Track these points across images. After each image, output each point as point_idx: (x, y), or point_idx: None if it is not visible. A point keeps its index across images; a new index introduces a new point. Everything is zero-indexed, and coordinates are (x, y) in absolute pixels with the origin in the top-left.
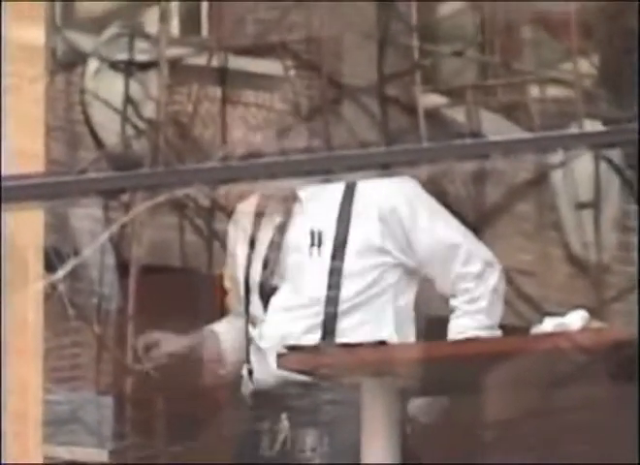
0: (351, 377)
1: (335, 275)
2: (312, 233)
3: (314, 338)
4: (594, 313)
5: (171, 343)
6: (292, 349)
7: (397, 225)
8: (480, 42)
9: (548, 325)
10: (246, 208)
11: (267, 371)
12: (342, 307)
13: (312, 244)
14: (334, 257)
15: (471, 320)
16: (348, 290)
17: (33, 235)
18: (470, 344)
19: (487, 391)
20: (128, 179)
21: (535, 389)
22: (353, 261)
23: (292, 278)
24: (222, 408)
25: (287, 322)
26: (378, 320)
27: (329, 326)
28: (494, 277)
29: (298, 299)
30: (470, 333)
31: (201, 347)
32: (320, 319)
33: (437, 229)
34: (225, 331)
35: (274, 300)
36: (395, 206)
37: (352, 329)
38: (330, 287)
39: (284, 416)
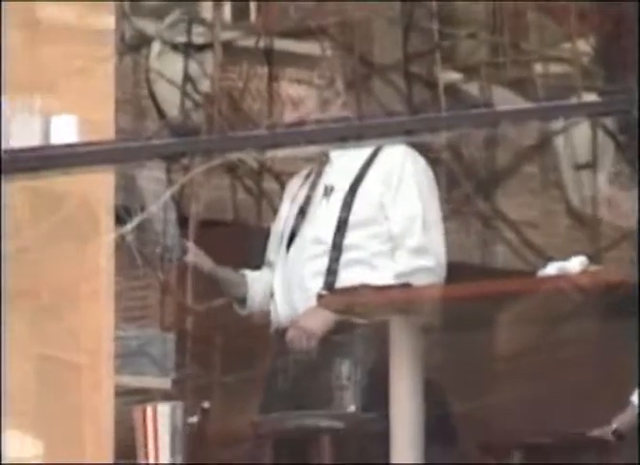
0: (381, 315)
1: (341, 224)
2: (325, 187)
3: (319, 282)
4: (591, 259)
5: (201, 259)
6: (331, 290)
7: (395, 189)
8: (491, 25)
9: (552, 268)
10: (299, 176)
11: (290, 309)
12: (345, 255)
13: (324, 195)
14: (342, 208)
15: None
16: (352, 238)
17: (105, 194)
18: (484, 285)
19: (499, 328)
20: (187, 145)
21: (541, 325)
22: (358, 213)
23: (307, 227)
24: (264, 344)
25: (297, 266)
26: (377, 268)
27: (332, 272)
28: (422, 273)
29: (307, 245)
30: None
31: (226, 280)
32: (325, 263)
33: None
34: (255, 277)
35: (291, 247)
36: (401, 175)
37: (351, 279)
38: (336, 234)
39: (319, 350)
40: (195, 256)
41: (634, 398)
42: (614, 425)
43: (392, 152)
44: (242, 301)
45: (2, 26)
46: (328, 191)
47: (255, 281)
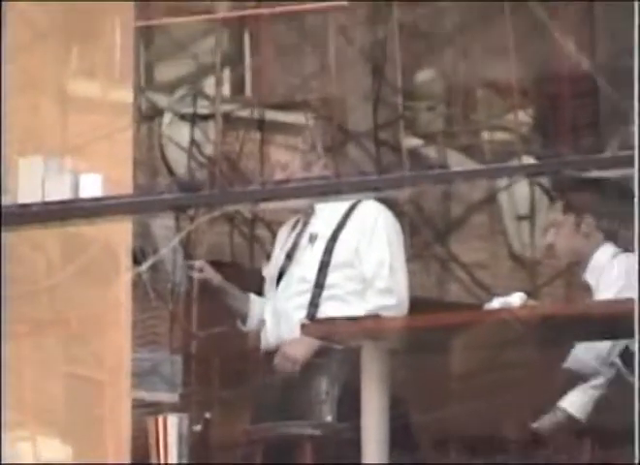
0: (354, 341)
1: (324, 266)
2: (311, 235)
3: (302, 314)
4: (529, 295)
5: (211, 274)
6: (312, 321)
7: (368, 238)
8: (447, 99)
9: (496, 303)
10: (287, 225)
11: (277, 336)
12: (325, 292)
13: (309, 241)
14: (324, 253)
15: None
16: (332, 278)
17: (124, 239)
18: (440, 317)
19: (452, 352)
20: (192, 199)
21: (487, 350)
22: (338, 258)
23: (294, 267)
24: (255, 364)
25: (283, 300)
26: (351, 304)
27: (314, 305)
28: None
29: (293, 282)
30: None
31: (232, 295)
32: (308, 298)
33: (383, 255)
34: (256, 300)
35: (280, 284)
36: (374, 226)
37: (329, 312)
38: (318, 274)
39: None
40: (207, 272)
41: (561, 403)
42: (536, 425)
43: (366, 207)
44: (244, 318)
45: (2, 27)
46: (313, 238)
47: (256, 302)
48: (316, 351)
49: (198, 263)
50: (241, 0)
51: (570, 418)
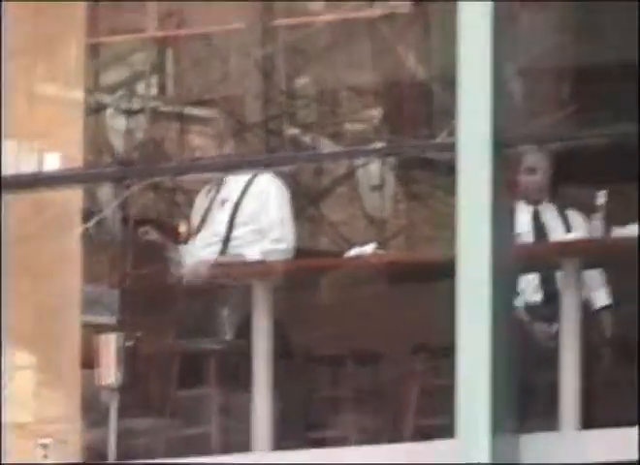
0: (248, 279)
1: (231, 223)
2: (222, 200)
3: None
4: (379, 245)
5: (154, 235)
6: (217, 265)
7: (264, 202)
8: (319, 99)
9: (354, 251)
10: (203, 192)
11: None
12: (232, 243)
13: (220, 204)
14: (232, 213)
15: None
16: (237, 232)
17: (77, 202)
18: (313, 261)
19: (323, 287)
20: (127, 172)
21: (347, 286)
22: (241, 217)
23: (209, 224)
24: (177, 297)
25: (200, 249)
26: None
27: (222, 253)
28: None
29: (208, 236)
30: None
31: (166, 247)
32: (219, 247)
33: (276, 214)
34: (181, 249)
35: (198, 236)
36: (268, 193)
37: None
38: (227, 229)
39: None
40: (150, 234)
41: None
42: None
43: (262, 178)
44: (174, 262)
45: (2, 28)
46: (223, 202)
47: (181, 251)
48: (220, 287)
49: (143, 229)
50: (166, 21)
51: None
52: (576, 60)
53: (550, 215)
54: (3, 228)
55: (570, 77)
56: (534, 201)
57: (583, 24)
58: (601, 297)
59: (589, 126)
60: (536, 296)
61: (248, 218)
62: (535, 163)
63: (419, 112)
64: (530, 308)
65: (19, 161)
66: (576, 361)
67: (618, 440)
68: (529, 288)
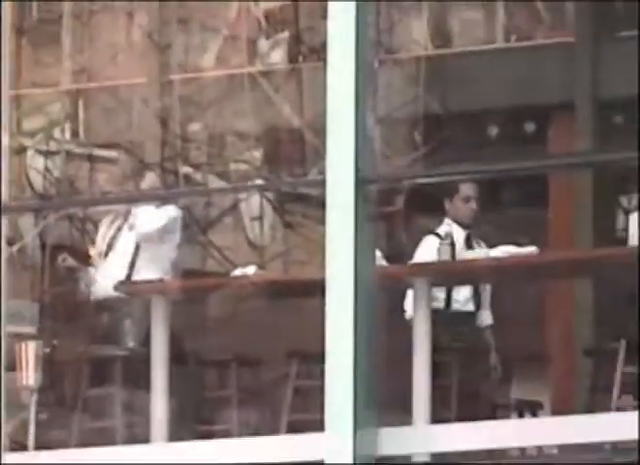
0: (148, 295)
1: (137, 246)
2: (130, 225)
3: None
4: (259, 267)
5: (70, 261)
6: (122, 283)
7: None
8: (208, 142)
9: (238, 272)
10: (106, 220)
11: (104, 290)
12: (138, 263)
13: (130, 229)
14: (136, 244)
15: None
16: (142, 253)
17: (2, 230)
18: (202, 280)
19: (210, 301)
20: (45, 205)
21: (232, 301)
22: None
23: (118, 245)
24: (89, 308)
25: (110, 268)
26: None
27: (130, 271)
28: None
29: (117, 256)
30: None
31: (80, 270)
32: (127, 266)
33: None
34: (92, 271)
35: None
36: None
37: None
38: (134, 250)
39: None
40: (68, 260)
41: None
42: None
43: (163, 209)
44: (86, 282)
45: (2, 26)
46: (132, 227)
47: (92, 272)
48: (124, 301)
49: (62, 256)
50: (78, 76)
51: None
52: (426, 110)
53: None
54: None
55: (422, 125)
56: (466, 226)
57: (432, 79)
58: (487, 317)
59: (437, 165)
60: (469, 306)
61: (149, 244)
62: (469, 193)
63: (294, 154)
64: (463, 315)
65: None
66: (426, 364)
67: (464, 432)
68: (461, 298)
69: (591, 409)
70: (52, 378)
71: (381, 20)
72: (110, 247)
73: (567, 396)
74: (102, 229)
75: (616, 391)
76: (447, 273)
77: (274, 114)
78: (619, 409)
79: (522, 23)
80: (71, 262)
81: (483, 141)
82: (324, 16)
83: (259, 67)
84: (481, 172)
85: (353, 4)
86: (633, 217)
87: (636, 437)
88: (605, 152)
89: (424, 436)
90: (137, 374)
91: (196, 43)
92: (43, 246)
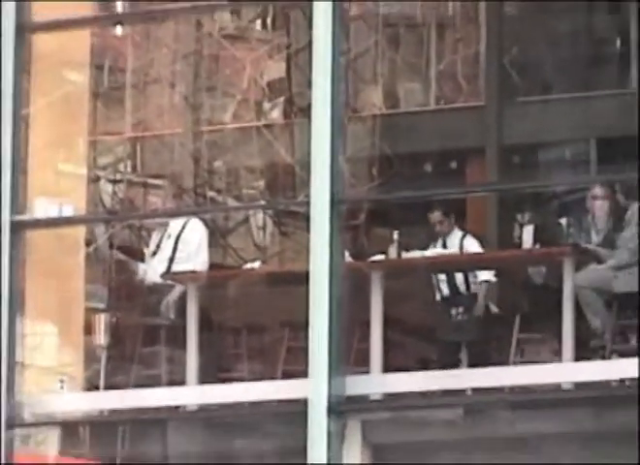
0: (184, 282)
1: (174, 249)
2: (169, 234)
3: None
4: (263, 261)
5: (124, 257)
6: (166, 273)
7: (192, 236)
8: (227, 176)
9: (249, 265)
10: (157, 230)
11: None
12: (174, 261)
13: (168, 237)
14: (174, 242)
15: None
16: (178, 254)
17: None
18: (223, 271)
19: (230, 288)
20: (113, 216)
21: (246, 287)
22: (180, 245)
23: (162, 249)
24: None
25: (157, 263)
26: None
27: (169, 266)
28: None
29: (160, 256)
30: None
31: (133, 264)
32: (167, 263)
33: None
34: (143, 266)
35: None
36: (194, 231)
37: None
38: (172, 252)
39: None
40: (119, 255)
41: None
42: None
43: (192, 221)
44: (139, 274)
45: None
46: (170, 236)
47: (143, 267)
48: (167, 285)
49: (115, 251)
50: (137, 126)
51: None
52: (380, 153)
53: (451, 242)
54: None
55: (377, 163)
56: (443, 233)
57: (385, 131)
58: None
59: (388, 192)
60: (445, 291)
61: (183, 246)
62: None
63: (287, 183)
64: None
65: (47, 209)
66: (379, 331)
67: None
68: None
69: None
70: (117, 339)
71: (349, 88)
72: (157, 248)
73: None
74: (153, 235)
75: None
76: (394, 268)
77: (274, 155)
78: None
79: (448, 92)
80: (121, 256)
81: (421, 175)
82: (309, 86)
83: (263, 121)
84: (420, 197)
85: (329, 78)
86: (527, 229)
87: None
88: (506, 183)
89: (378, 381)
90: (176, 337)
91: (219, 104)
92: (110, 246)
